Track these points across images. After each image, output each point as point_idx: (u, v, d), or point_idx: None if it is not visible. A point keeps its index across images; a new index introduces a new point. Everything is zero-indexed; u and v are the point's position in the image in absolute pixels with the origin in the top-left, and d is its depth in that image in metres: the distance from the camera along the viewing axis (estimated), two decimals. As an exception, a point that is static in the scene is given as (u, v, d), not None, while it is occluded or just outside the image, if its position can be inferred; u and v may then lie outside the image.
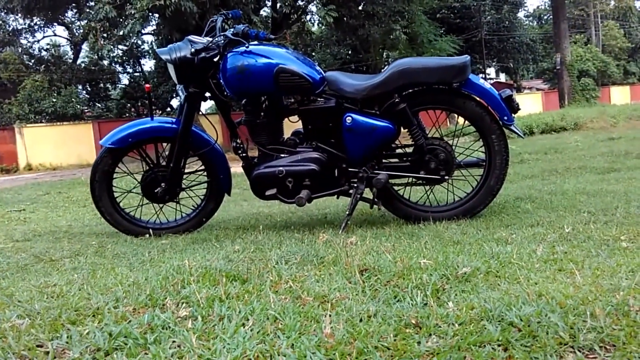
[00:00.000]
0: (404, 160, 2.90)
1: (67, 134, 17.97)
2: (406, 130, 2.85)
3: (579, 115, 12.27)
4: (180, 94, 3.04)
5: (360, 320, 1.21)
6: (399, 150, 2.97)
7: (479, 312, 1.19)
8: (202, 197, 3.25)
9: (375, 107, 2.81)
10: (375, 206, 2.86)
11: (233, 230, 3.00)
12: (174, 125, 3.08)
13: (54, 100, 18.73)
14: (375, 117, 2.78)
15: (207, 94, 3.06)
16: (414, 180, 2.91)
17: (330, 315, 1.22)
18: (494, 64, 32.70)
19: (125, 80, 23.54)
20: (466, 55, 2.80)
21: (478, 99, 2.77)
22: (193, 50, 2.88)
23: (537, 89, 31.04)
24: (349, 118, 2.77)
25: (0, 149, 17.45)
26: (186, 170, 3.18)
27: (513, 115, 2.80)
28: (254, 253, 2.08)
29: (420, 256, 1.76)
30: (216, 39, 2.91)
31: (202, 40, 2.95)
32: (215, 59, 2.90)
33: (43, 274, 1.95)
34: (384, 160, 2.91)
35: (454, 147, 2.90)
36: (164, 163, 3.12)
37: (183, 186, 3.19)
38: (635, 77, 34.22)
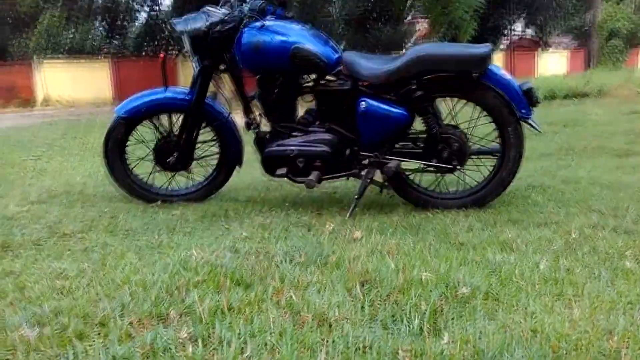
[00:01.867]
0: (416, 146, 2.87)
1: (85, 69, 17.93)
2: (421, 118, 2.81)
3: (604, 81, 11.92)
4: (194, 65, 2.99)
5: (356, 350, 1.24)
6: (412, 136, 2.93)
7: (472, 353, 1.22)
8: (213, 167, 3.27)
9: (391, 92, 2.76)
10: (384, 190, 2.87)
11: (242, 205, 3.03)
12: (187, 97, 3.06)
13: (72, 35, 18.56)
14: (390, 103, 2.74)
15: (222, 67, 3.02)
16: (424, 166, 2.89)
17: (326, 343, 1.26)
18: (522, 18, 31.56)
19: (143, 17, 23.17)
20: (488, 44, 2.72)
21: (497, 90, 2.71)
22: (209, 23, 2.82)
23: (564, 47, 30.09)
24: (364, 103, 2.73)
25: (18, 82, 17.48)
26: (199, 140, 3.19)
27: (532, 108, 2.74)
28: (260, 244, 2.11)
29: (423, 266, 1.78)
30: (233, 12, 2.86)
31: (219, 12, 2.89)
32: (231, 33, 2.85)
33: (54, 257, 2.00)
34: (396, 145, 2.88)
35: (469, 136, 2.87)
36: (176, 132, 3.13)
37: (195, 156, 3.20)
38: (668, 39, 32.90)
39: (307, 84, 2.90)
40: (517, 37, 26.43)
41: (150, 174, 3.24)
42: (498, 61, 14.63)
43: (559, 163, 4.27)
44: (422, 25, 20.88)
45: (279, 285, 1.63)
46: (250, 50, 2.78)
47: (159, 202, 3.13)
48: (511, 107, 2.71)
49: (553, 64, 21.19)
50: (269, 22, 2.78)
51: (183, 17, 2.95)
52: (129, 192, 3.18)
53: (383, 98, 2.76)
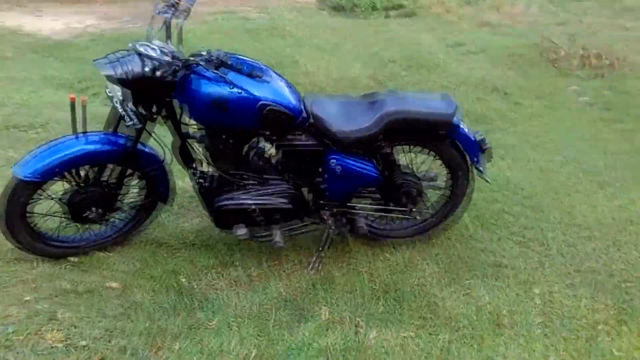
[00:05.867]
0: (377, 192, 2.82)
1: None
2: (386, 169, 2.74)
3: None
4: (130, 116, 2.36)
5: None
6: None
7: None
8: (134, 211, 2.80)
9: (359, 147, 2.62)
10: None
11: (188, 266, 2.69)
12: (105, 147, 2.48)
13: None
14: (360, 160, 2.62)
15: (163, 114, 2.47)
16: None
17: None
18: None
19: None
20: (454, 103, 2.67)
21: (457, 142, 2.75)
22: (147, 70, 2.25)
23: None
24: (334, 161, 2.58)
25: None
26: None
27: (481, 154, 2.85)
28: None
29: None
30: (179, 56, 2.30)
31: (154, 51, 2.29)
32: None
33: None
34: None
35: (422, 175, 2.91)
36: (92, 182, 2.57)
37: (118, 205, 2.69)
38: None
39: (270, 137, 2.56)
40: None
41: (58, 229, 2.67)
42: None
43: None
44: None
45: None
46: (206, 105, 2.33)
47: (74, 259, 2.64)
48: (464, 156, 2.80)
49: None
50: (226, 72, 2.30)
51: (107, 57, 2.27)
52: (34, 252, 2.61)
53: (352, 154, 2.61)
